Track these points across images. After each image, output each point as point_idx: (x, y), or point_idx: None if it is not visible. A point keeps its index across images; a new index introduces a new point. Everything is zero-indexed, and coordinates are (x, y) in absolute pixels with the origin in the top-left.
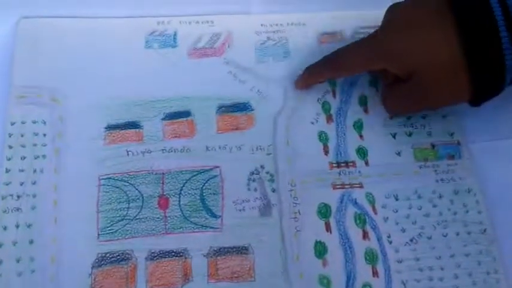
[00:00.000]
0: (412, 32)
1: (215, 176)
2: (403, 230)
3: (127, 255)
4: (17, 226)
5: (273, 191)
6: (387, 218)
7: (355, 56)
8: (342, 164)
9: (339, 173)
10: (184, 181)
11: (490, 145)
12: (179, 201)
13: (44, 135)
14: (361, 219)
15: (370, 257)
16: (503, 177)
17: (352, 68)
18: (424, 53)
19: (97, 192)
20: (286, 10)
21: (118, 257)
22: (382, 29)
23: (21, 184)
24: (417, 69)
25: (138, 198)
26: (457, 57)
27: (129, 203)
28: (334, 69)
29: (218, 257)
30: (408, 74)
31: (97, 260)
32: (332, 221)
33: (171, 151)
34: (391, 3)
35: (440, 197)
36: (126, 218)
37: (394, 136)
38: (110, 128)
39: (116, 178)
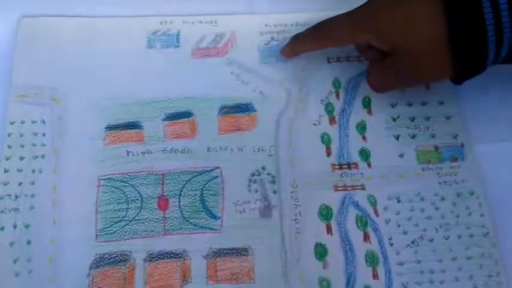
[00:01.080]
0: (397, 7)
1: (216, 177)
2: (405, 233)
3: (125, 256)
4: (15, 226)
5: (274, 192)
6: (389, 220)
7: (341, 27)
8: (344, 166)
9: (341, 175)
10: (184, 182)
11: (494, 148)
12: (179, 202)
13: (43, 135)
14: (362, 222)
15: (371, 259)
16: (506, 180)
17: (338, 39)
18: (408, 27)
19: (96, 193)
20: (290, 10)
21: (116, 258)
22: (367, 3)
23: (20, 184)
24: (400, 43)
25: (137, 199)
26: (440, 34)
27: (128, 204)
28: (320, 39)
29: (217, 259)
30: (392, 48)
31: (95, 261)
32: (333, 223)
33: (172, 152)
34: None
35: (442, 199)
36: (125, 218)
37: (397, 138)
38: (110, 128)
39: (116, 179)
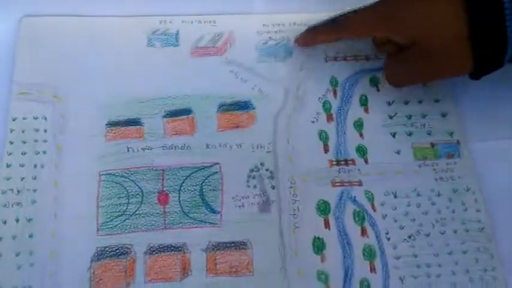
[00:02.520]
0: (417, 1)
1: (215, 173)
2: (402, 227)
3: (126, 250)
4: (17, 220)
5: (273, 187)
6: (386, 215)
7: (360, 20)
8: (342, 162)
9: (339, 171)
10: (184, 177)
11: (490, 145)
12: (179, 197)
13: (45, 131)
14: (360, 216)
15: (368, 253)
16: (501, 177)
17: (356, 32)
18: (428, 21)
19: (97, 188)
20: (288, 10)
21: (117, 251)
22: None
23: (22, 179)
24: (420, 38)
25: (138, 194)
26: (460, 28)
27: (129, 199)
28: (337, 31)
29: (217, 252)
30: (411, 42)
31: (96, 254)
32: (331, 218)
33: (172, 148)
34: None
35: (439, 195)
36: (125, 213)
37: (393, 135)
38: (111, 124)
39: (116, 174)
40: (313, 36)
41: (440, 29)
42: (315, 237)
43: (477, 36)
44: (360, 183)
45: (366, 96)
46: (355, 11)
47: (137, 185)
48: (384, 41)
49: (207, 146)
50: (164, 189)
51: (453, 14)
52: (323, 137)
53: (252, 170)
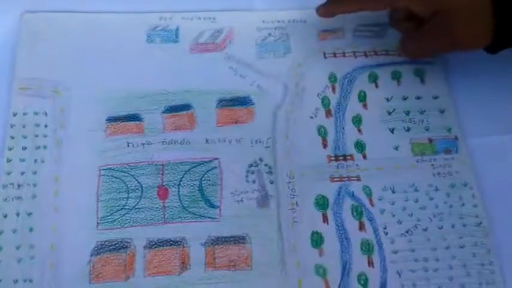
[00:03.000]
0: None
1: (214, 168)
2: (399, 222)
3: (126, 244)
4: (18, 214)
5: (271, 182)
6: (384, 210)
7: None
8: (340, 157)
9: (337, 166)
10: (183, 172)
11: (487, 140)
12: (178, 191)
13: (46, 126)
14: (358, 211)
15: (366, 248)
16: (499, 172)
17: (377, 2)
18: None
19: (97, 182)
20: (287, 7)
21: (117, 245)
22: None
23: (22, 174)
24: (440, 7)
25: (137, 189)
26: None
27: (128, 193)
28: (358, 2)
29: (216, 246)
30: (431, 13)
31: (96, 248)
32: (329, 213)
33: (171, 143)
34: None
35: (436, 190)
36: (125, 207)
37: (392, 131)
38: (111, 120)
39: (116, 169)
40: (335, 7)
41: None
42: (313, 231)
43: (498, 5)
44: (358, 179)
45: (364, 92)
46: None
47: (137, 180)
48: (404, 17)
49: (207, 141)
50: (164, 183)
51: None
52: (322, 132)
53: (251, 165)
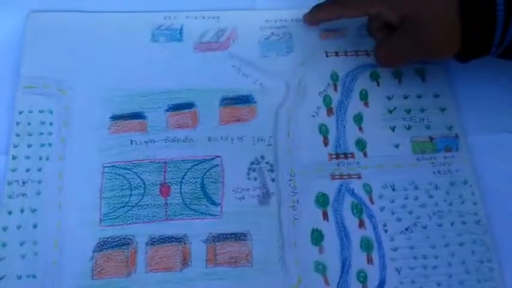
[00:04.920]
0: None
1: (216, 166)
2: (399, 220)
3: (128, 240)
4: (22, 211)
5: (273, 180)
6: (384, 207)
7: None
8: (341, 156)
9: (338, 164)
10: (186, 170)
11: (487, 139)
12: (180, 189)
13: (51, 124)
14: (358, 209)
15: (366, 245)
16: (498, 170)
17: (353, 8)
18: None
19: (100, 180)
20: (290, 6)
21: (119, 242)
22: None
23: (27, 171)
24: (411, 12)
25: (140, 186)
26: (450, 6)
27: (131, 190)
28: (337, 7)
29: (217, 243)
30: (401, 18)
31: (99, 244)
32: (329, 210)
33: (174, 141)
34: None
35: (436, 188)
36: (128, 204)
37: (393, 129)
38: (115, 118)
39: (120, 166)
40: (317, 14)
41: (431, 5)
42: (313, 229)
43: (466, 14)
44: (359, 176)
45: (366, 91)
46: None
47: (140, 177)
48: (378, 25)
49: (209, 139)
50: (166, 181)
51: None
52: (323, 130)
53: (252, 163)
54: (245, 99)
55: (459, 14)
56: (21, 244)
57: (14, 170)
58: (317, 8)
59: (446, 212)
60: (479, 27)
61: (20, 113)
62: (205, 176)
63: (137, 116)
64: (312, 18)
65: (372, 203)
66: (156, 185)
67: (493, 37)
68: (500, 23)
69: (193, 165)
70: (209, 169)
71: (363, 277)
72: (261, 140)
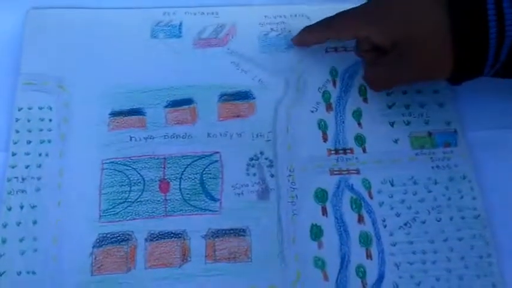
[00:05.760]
0: (399, 2)
1: (215, 161)
2: (398, 215)
3: (127, 236)
4: (21, 207)
5: (272, 176)
6: (383, 202)
7: (345, 20)
8: (340, 151)
9: (337, 159)
10: (185, 166)
11: (486, 134)
12: (180, 185)
13: (50, 120)
14: (357, 204)
15: (365, 240)
16: (497, 165)
17: (341, 32)
18: (409, 22)
19: (100, 176)
20: (289, 2)
21: (118, 238)
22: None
23: (27, 167)
24: (401, 38)
25: (139, 182)
26: (442, 29)
27: (130, 186)
28: (325, 30)
29: (216, 239)
30: (391, 43)
31: (98, 240)
32: (328, 206)
33: (173, 137)
34: None
35: (435, 183)
36: (127, 200)
37: (392, 125)
38: (114, 114)
39: (119, 162)
40: (307, 36)
41: (421, 26)
42: (312, 224)
43: (458, 30)
44: (358, 172)
45: (365, 86)
46: (343, 12)
47: (139, 173)
48: (367, 48)
49: (208, 135)
50: (165, 177)
51: (434, 12)
52: (322, 126)
53: (251, 159)
54: (244, 95)
55: (451, 38)
56: (21, 240)
57: (13, 167)
58: (306, 30)
59: (445, 207)
60: (472, 49)
61: (20, 109)
62: (204, 172)
63: (136, 112)
64: (301, 41)
65: (371, 198)
66: (156, 181)
67: (485, 60)
68: (493, 44)
69: (193, 161)
70: (208, 165)
71: (362, 272)
72: (260, 135)
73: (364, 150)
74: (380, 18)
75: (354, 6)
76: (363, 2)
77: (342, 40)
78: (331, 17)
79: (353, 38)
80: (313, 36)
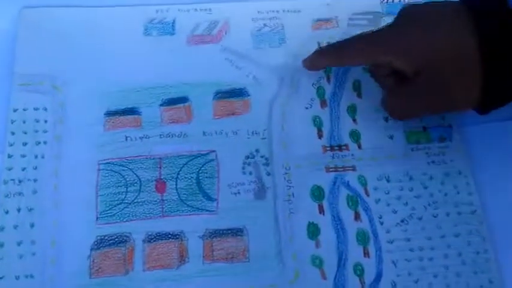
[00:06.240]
0: (424, 27)
1: (211, 160)
2: (395, 211)
3: (125, 238)
4: (19, 210)
5: (268, 174)
6: (379, 199)
7: (362, 46)
8: (335, 148)
9: (332, 156)
10: (181, 165)
11: (481, 128)
12: (176, 185)
13: (45, 121)
14: (353, 201)
15: (362, 238)
16: (493, 159)
17: (358, 59)
18: (436, 48)
19: (96, 177)
20: None
21: (116, 239)
22: (393, 24)
23: (23, 169)
24: (426, 65)
25: (136, 183)
26: (470, 56)
27: (127, 187)
28: (340, 57)
29: (213, 239)
30: (415, 71)
31: (96, 243)
32: (325, 203)
33: (169, 136)
34: None
35: (431, 178)
36: (124, 201)
37: (386, 120)
38: (109, 114)
39: (115, 163)
40: (319, 60)
41: (448, 56)
42: (309, 222)
43: (487, 66)
44: (354, 168)
45: (359, 82)
46: (358, 36)
47: (135, 174)
48: (385, 72)
49: (204, 133)
50: (162, 177)
51: (462, 42)
52: (317, 122)
53: (247, 157)
54: (239, 93)
55: (480, 67)
56: (19, 244)
57: (10, 169)
58: (318, 53)
59: (442, 203)
60: (502, 79)
61: (15, 110)
62: (200, 171)
63: (132, 111)
64: (312, 65)
65: (367, 195)
66: (152, 181)
67: None
68: None
69: (189, 161)
70: (204, 164)
71: (359, 270)
72: (256, 133)
73: (359, 147)
74: (406, 45)
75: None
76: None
77: (358, 65)
78: (345, 40)
79: (373, 63)
80: (325, 60)
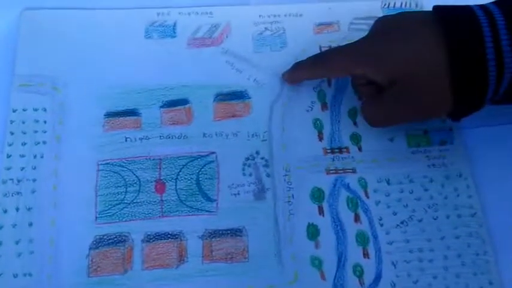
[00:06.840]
0: (396, 39)
1: (211, 162)
2: (395, 213)
3: (124, 237)
4: (17, 209)
5: (268, 175)
6: (379, 201)
7: (339, 58)
8: (336, 150)
9: (333, 159)
10: (181, 166)
11: (481, 131)
12: (175, 185)
13: (45, 122)
14: (353, 203)
15: (362, 239)
16: (493, 163)
17: (335, 70)
18: (407, 59)
19: (95, 177)
20: (283, 1)
21: (115, 239)
22: (367, 36)
23: (22, 169)
24: (399, 76)
25: (135, 183)
26: (440, 66)
27: (126, 188)
28: (317, 68)
29: (213, 239)
30: (389, 81)
31: (94, 242)
32: (325, 205)
33: (169, 138)
34: None
35: (431, 181)
36: (123, 201)
37: None
38: (109, 115)
39: (114, 163)
40: (298, 73)
41: (419, 66)
42: (309, 223)
43: (457, 75)
44: (354, 171)
45: None
46: (335, 48)
47: (135, 174)
48: (362, 82)
49: (204, 135)
50: (161, 178)
51: (433, 52)
52: (318, 125)
53: (247, 159)
54: (239, 95)
55: (449, 78)
56: (17, 243)
57: (8, 169)
58: (298, 66)
59: (442, 205)
60: (471, 88)
61: (14, 111)
62: (200, 172)
63: (132, 113)
64: (292, 77)
65: (367, 197)
66: (151, 181)
67: (485, 94)
68: (493, 81)
69: (188, 162)
70: (204, 165)
71: (359, 271)
72: (256, 135)
73: (360, 149)
74: (377, 57)
75: (349, 4)
76: (357, 0)
77: (335, 77)
78: (322, 53)
79: (348, 75)
80: (305, 73)
